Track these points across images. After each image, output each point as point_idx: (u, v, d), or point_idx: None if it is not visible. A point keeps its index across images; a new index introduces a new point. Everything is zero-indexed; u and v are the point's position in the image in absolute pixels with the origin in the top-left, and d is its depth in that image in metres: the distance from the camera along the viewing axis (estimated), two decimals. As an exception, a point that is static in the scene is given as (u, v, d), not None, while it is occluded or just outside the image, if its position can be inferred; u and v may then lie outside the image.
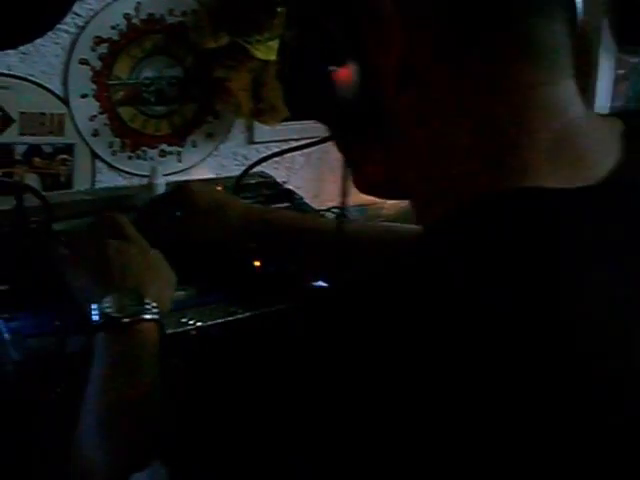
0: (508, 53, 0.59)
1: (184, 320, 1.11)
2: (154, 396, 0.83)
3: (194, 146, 1.63)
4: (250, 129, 1.66)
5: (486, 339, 0.51)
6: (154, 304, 0.93)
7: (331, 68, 0.63)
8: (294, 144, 1.44)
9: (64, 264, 1.04)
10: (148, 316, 0.91)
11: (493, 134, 0.59)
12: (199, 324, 1.10)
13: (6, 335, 1.03)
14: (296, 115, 0.70)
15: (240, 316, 1.13)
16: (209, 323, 1.11)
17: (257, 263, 1.23)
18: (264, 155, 1.46)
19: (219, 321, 1.12)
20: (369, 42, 0.62)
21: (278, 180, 1.57)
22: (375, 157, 0.67)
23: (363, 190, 0.71)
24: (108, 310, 0.91)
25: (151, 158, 1.57)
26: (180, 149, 1.61)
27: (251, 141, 1.67)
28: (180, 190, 1.22)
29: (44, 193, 1.31)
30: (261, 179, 1.53)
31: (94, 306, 0.92)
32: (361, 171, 0.70)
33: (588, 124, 0.61)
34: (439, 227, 0.60)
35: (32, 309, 1.08)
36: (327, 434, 0.51)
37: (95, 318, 0.91)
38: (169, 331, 1.05)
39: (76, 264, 1.02)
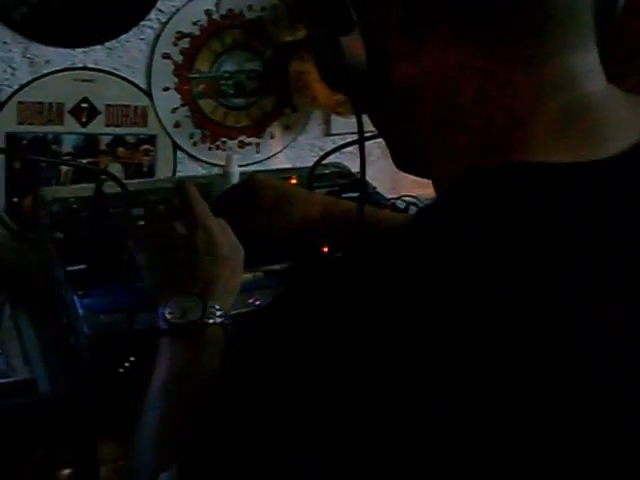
0: (518, 23, 0.58)
1: (250, 301, 1.15)
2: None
3: (272, 137, 1.67)
4: (327, 121, 1.69)
5: (483, 317, 0.51)
6: (218, 307, 0.91)
7: (341, 37, 0.64)
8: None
9: (136, 254, 1.05)
10: (211, 321, 0.90)
11: (498, 106, 0.59)
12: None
13: (80, 311, 1.10)
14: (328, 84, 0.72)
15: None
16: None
17: (325, 249, 1.26)
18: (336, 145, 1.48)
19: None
20: (377, 11, 0.63)
21: (353, 171, 1.60)
22: (391, 127, 0.69)
23: (397, 166, 0.73)
24: (171, 315, 0.90)
25: (230, 149, 1.62)
26: (259, 140, 1.66)
27: (328, 133, 1.71)
28: (248, 180, 1.25)
29: (124, 181, 1.37)
30: (336, 169, 1.56)
31: (160, 310, 0.92)
32: (388, 144, 0.72)
33: (606, 99, 0.60)
34: (437, 202, 0.61)
35: (105, 288, 1.14)
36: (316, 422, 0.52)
37: (160, 323, 0.92)
38: (234, 311, 1.09)
39: (146, 259, 1.02)
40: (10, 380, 1.08)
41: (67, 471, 1.06)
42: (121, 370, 1.03)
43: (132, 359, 1.04)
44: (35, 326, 1.24)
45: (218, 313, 0.91)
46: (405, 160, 0.72)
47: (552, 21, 0.58)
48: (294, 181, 1.46)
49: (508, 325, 0.51)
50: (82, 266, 1.18)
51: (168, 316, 0.91)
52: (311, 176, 1.46)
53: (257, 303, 1.15)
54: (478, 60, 0.59)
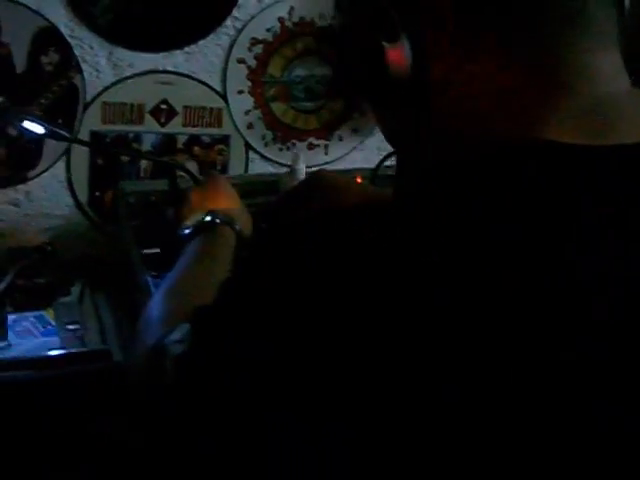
0: (547, 21, 0.61)
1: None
2: (216, 280, 0.94)
3: (340, 140, 1.74)
4: (394, 125, 1.75)
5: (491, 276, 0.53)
6: (230, 216, 1.11)
7: (385, 44, 0.66)
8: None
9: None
10: (218, 220, 1.09)
11: (523, 95, 0.61)
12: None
13: (153, 290, 1.18)
14: (355, 92, 0.74)
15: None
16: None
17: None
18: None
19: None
20: (421, 19, 0.65)
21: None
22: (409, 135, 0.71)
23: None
24: (194, 223, 1.09)
25: (300, 150, 1.69)
26: (327, 142, 1.73)
27: (394, 136, 1.76)
28: (314, 173, 1.32)
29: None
30: (399, 170, 1.62)
31: (184, 226, 1.10)
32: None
33: (628, 100, 0.62)
34: (458, 170, 0.61)
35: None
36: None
37: (182, 234, 1.10)
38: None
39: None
40: (88, 349, 1.17)
41: (135, 434, 1.14)
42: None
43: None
44: (111, 306, 1.32)
45: (230, 220, 1.10)
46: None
47: (578, 27, 0.61)
48: (359, 180, 1.52)
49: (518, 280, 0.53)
50: (156, 250, 1.27)
51: (188, 222, 1.10)
52: (374, 176, 1.52)
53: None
54: (510, 64, 0.62)
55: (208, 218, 1.09)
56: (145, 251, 1.27)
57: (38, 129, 1.26)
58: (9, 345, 1.16)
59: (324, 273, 0.56)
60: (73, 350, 1.16)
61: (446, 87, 0.65)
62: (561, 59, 0.62)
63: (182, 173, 1.37)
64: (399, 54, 0.66)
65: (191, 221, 1.10)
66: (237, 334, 0.61)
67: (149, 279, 1.21)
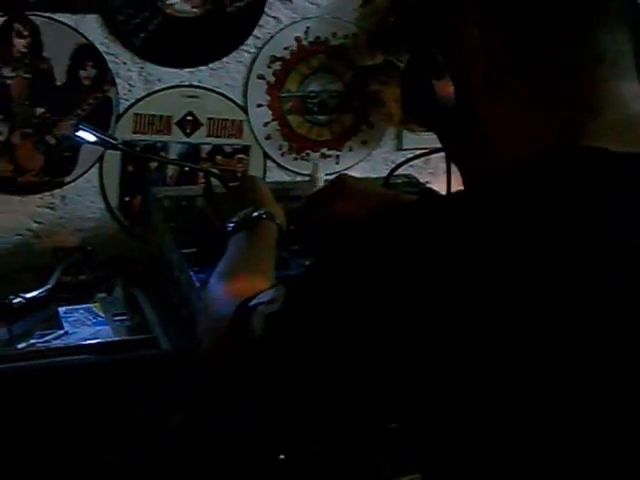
0: (576, 58, 0.75)
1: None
2: (268, 266, 1.08)
3: (350, 150, 1.87)
4: (399, 137, 1.89)
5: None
6: (272, 212, 1.20)
7: (434, 82, 0.80)
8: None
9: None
10: (264, 215, 1.19)
11: (564, 118, 0.74)
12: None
13: (197, 283, 1.30)
14: (411, 119, 0.90)
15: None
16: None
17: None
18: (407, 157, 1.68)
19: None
20: (461, 61, 0.79)
21: (422, 181, 1.79)
22: (469, 153, 0.84)
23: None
24: (241, 217, 1.18)
25: (314, 160, 1.82)
26: (338, 153, 1.87)
27: (400, 148, 1.90)
28: (338, 177, 1.46)
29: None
30: (407, 180, 1.75)
31: (230, 221, 1.19)
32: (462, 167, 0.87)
33: None
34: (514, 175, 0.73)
35: (214, 266, 1.34)
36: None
37: (229, 229, 1.18)
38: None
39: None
40: (137, 337, 1.29)
41: (179, 416, 1.26)
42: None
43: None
44: (150, 299, 1.44)
45: (272, 216, 1.20)
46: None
47: (607, 62, 0.75)
48: (371, 187, 1.65)
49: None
50: (193, 249, 1.39)
51: (234, 218, 1.18)
52: (386, 185, 1.65)
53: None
54: (547, 97, 0.76)
55: (255, 213, 1.18)
56: (184, 251, 1.38)
57: (90, 137, 1.38)
58: (66, 333, 1.27)
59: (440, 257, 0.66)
60: (125, 338, 1.28)
61: (486, 113, 0.79)
62: (593, 89, 0.75)
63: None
64: (445, 89, 0.80)
65: (237, 216, 1.19)
66: (331, 298, 0.72)
67: (192, 274, 1.32)
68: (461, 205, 0.71)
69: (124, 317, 1.35)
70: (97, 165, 1.67)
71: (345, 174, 1.50)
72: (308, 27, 1.76)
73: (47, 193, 1.66)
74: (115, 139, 1.51)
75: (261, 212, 1.19)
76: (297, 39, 1.76)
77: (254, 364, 0.81)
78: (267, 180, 1.80)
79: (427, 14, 0.84)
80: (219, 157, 1.77)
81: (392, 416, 0.74)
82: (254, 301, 0.85)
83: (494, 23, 0.77)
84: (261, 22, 1.72)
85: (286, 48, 1.76)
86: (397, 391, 0.69)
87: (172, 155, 1.73)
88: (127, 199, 1.72)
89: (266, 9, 1.71)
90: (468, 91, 0.80)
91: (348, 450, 1.24)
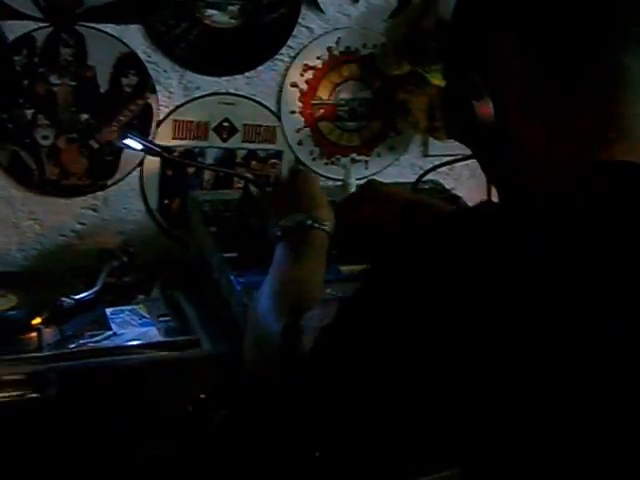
0: (605, 80, 0.83)
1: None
2: (318, 279, 1.12)
3: (379, 156, 1.95)
4: (425, 144, 1.96)
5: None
6: (325, 221, 1.21)
7: (473, 102, 0.87)
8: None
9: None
10: (316, 225, 1.19)
11: (595, 135, 0.82)
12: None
13: (238, 287, 1.38)
14: (451, 136, 0.97)
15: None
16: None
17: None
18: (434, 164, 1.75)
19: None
20: (500, 82, 0.86)
21: (447, 187, 1.86)
22: (504, 167, 0.92)
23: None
24: (287, 224, 1.19)
25: (343, 165, 1.90)
26: (367, 158, 1.94)
27: (426, 154, 1.98)
28: (368, 182, 1.53)
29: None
30: (433, 185, 1.82)
31: (277, 225, 1.20)
32: (496, 179, 0.95)
33: None
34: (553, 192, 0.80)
35: (253, 270, 1.41)
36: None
37: (277, 233, 1.19)
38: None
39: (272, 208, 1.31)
40: (180, 338, 1.36)
41: (223, 413, 1.33)
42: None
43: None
44: (191, 302, 1.51)
45: (324, 224, 1.20)
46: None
47: (631, 84, 0.83)
48: (398, 192, 1.71)
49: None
50: (234, 254, 1.46)
51: (283, 223, 1.19)
52: (414, 190, 1.72)
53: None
54: (581, 106, 0.84)
55: (308, 222, 1.18)
56: (226, 255, 1.45)
57: (136, 145, 1.45)
58: (115, 334, 1.35)
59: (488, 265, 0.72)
60: (171, 339, 1.36)
61: (523, 132, 0.87)
62: (622, 108, 0.83)
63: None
64: (484, 109, 0.87)
65: (287, 221, 1.19)
66: (383, 314, 0.78)
67: (232, 278, 1.40)
68: (514, 222, 0.76)
69: (168, 318, 1.42)
70: (138, 169, 1.75)
71: (374, 179, 1.57)
72: (339, 37, 1.82)
73: (90, 195, 1.73)
74: (159, 147, 1.58)
75: (313, 221, 1.19)
76: (329, 49, 1.83)
77: (304, 380, 0.86)
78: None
79: (468, 38, 0.91)
80: (253, 162, 1.84)
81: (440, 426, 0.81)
82: (305, 317, 0.91)
83: (531, 46, 0.85)
84: (295, 32, 1.78)
85: (318, 57, 1.83)
86: (449, 401, 0.74)
87: (209, 160, 1.80)
88: (166, 202, 1.79)
89: (300, 20, 1.78)
90: (506, 110, 0.87)
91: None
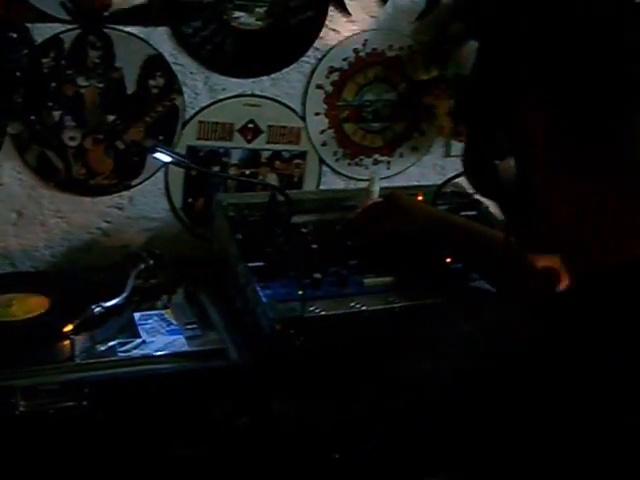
0: (627, 139, 0.84)
1: (390, 299, 1.44)
2: None
3: (401, 156, 1.96)
4: (447, 145, 1.97)
5: None
6: None
7: (496, 162, 0.88)
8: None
9: None
10: None
11: (618, 192, 0.84)
12: (402, 304, 1.43)
13: (264, 299, 1.40)
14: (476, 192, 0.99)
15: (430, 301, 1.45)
16: (413, 303, 1.43)
17: (448, 259, 1.54)
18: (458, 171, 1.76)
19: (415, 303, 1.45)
20: (523, 141, 0.87)
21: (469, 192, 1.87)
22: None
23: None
24: None
25: (366, 166, 1.91)
26: (390, 159, 1.95)
27: (448, 155, 1.99)
28: (389, 195, 1.55)
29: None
30: (455, 189, 1.83)
31: None
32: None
33: None
34: None
35: (279, 281, 1.44)
36: None
37: None
38: (378, 307, 1.40)
39: None
40: (207, 348, 1.39)
41: (245, 419, 1.37)
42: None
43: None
44: (216, 306, 1.54)
45: None
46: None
47: None
48: (420, 197, 1.73)
49: None
50: (261, 263, 1.48)
51: None
52: (438, 193, 1.74)
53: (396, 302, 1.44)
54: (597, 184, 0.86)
55: None
56: (251, 264, 1.47)
57: (165, 158, 1.47)
58: (144, 342, 1.38)
59: None
60: (198, 349, 1.38)
61: (547, 186, 0.88)
62: None
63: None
64: (508, 169, 0.89)
65: None
66: None
67: (259, 289, 1.41)
68: None
69: (194, 326, 1.45)
70: (162, 169, 1.77)
71: (396, 191, 1.59)
72: (366, 39, 1.83)
73: (116, 195, 1.76)
74: (186, 158, 1.60)
75: None
76: (355, 50, 1.83)
77: None
78: (322, 184, 1.90)
79: (490, 98, 0.91)
80: (278, 162, 1.85)
81: None
82: None
83: (555, 107, 0.86)
84: (321, 34, 1.79)
85: (344, 59, 1.83)
86: None
87: (233, 160, 1.82)
88: (190, 201, 1.81)
89: (327, 22, 1.78)
90: (528, 168, 0.88)
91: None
